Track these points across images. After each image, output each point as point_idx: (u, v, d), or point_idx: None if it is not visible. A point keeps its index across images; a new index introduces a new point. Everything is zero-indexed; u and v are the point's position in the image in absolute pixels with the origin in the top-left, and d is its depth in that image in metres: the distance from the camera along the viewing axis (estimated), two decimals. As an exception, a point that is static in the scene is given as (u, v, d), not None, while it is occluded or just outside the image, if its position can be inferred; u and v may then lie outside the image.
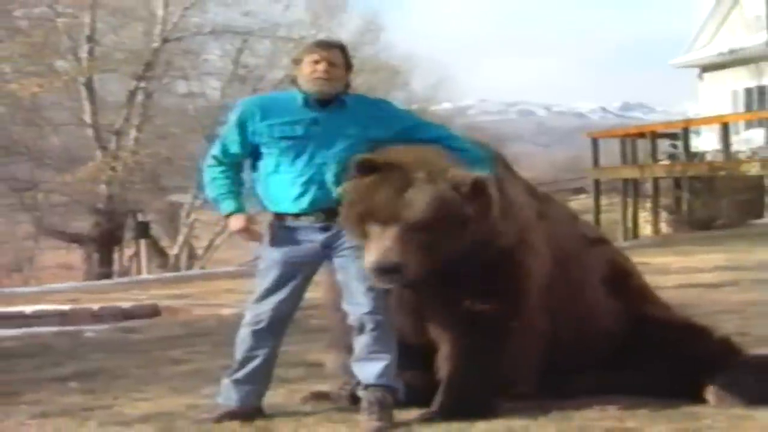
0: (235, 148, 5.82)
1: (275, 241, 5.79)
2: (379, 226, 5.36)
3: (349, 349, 5.82)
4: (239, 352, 5.88)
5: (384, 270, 5.29)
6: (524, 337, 5.70)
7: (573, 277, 6.02)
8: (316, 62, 5.73)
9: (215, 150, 5.87)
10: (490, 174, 5.59)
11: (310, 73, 5.74)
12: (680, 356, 5.98)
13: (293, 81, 5.89)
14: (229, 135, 5.85)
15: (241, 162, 5.88)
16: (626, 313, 6.14)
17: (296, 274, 5.79)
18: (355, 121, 5.72)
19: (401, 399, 5.72)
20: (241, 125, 5.80)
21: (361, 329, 5.68)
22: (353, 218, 5.45)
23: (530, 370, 5.81)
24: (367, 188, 5.42)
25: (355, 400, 5.82)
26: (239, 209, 5.76)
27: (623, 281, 6.32)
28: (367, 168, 5.43)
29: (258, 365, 5.85)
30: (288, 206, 5.72)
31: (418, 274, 5.36)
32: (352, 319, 5.70)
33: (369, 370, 5.67)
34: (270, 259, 5.82)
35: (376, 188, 5.39)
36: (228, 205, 5.78)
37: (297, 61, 5.86)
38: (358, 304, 5.67)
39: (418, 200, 5.32)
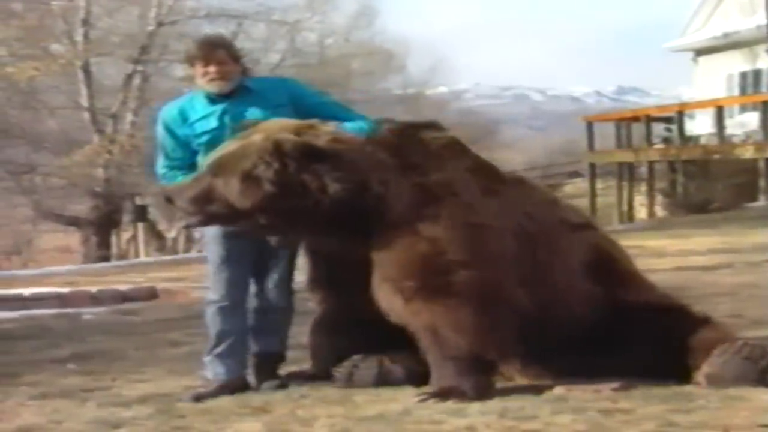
0: (177, 153, 6.01)
1: None
2: None
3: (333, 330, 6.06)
4: (212, 331, 6.08)
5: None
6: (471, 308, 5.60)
7: (540, 260, 5.95)
8: (206, 64, 5.92)
9: (162, 164, 6.07)
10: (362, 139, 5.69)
11: (203, 76, 5.94)
12: (662, 339, 5.96)
13: (191, 79, 6.08)
14: (166, 144, 6.05)
15: (192, 165, 5.97)
16: (606, 298, 6.08)
17: (239, 243, 5.96)
18: (263, 105, 5.92)
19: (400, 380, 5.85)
20: (169, 131, 6.01)
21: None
22: None
23: (509, 346, 5.77)
24: None
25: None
26: None
27: (606, 266, 6.25)
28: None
29: (234, 341, 6.07)
30: None
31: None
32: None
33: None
34: (209, 235, 6.07)
35: None
36: None
37: (189, 63, 6.04)
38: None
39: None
